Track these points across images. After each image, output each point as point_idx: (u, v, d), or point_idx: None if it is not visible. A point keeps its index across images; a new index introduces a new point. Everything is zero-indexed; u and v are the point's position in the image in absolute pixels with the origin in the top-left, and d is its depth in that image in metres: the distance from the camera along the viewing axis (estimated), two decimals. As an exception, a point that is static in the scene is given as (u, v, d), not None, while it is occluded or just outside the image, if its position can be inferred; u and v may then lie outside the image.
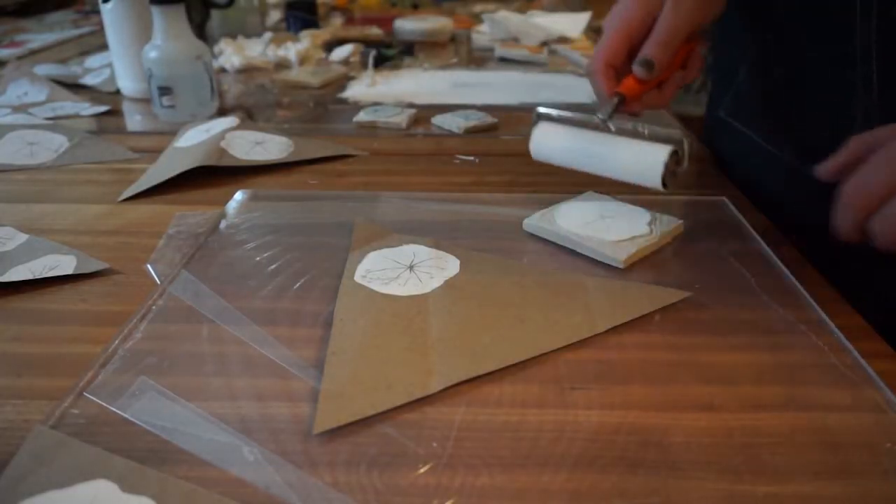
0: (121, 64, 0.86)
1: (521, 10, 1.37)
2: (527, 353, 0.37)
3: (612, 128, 0.49)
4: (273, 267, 0.46)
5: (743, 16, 0.61)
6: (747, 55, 0.61)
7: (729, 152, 0.67)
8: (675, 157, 0.47)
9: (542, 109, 0.53)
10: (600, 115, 0.48)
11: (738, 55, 0.63)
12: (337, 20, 1.43)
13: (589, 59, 0.50)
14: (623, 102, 0.48)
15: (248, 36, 1.14)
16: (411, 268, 0.45)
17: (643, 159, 0.47)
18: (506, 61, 1.09)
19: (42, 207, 0.57)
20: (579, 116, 0.51)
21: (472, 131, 0.74)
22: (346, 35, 1.22)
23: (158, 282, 0.45)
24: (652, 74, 0.48)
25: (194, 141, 0.66)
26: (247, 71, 1.03)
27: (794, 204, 0.56)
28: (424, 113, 0.79)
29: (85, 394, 0.34)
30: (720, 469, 0.30)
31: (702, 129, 0.75)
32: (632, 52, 0.49)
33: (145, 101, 0.85)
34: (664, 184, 0.47)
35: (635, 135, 0.49)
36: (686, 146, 0.47)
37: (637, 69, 0.48)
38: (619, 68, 0.50)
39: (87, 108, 0.83)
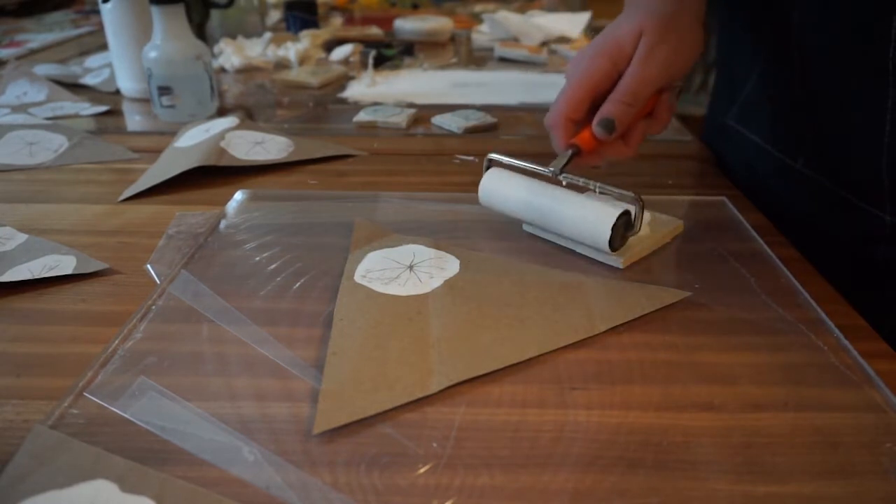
0: (120, 64, 0.86)
1: (521, 10, 1.37)
2: (527, 353, 0.37)
3: (563, 182, 0.47)
4: (273, 267, 0.46)
5: (754, 27, 0.60)
6: (757, 64, 0.60)
7: (732, 157, 0.66)
8: (625, 220, 0.45)
9: (493, 155, 0.51)
10: (551, 168, 0.46)
11: (745, 64, 0.62)
12: (337, 20, 1.43)
13: (549, 111, 0.48)
14: (578, 154, 0.46)
15: (247, 36, 1.14)
16: (411, 268, 0.45)
17: (591, 220, 0.45)
18: (505, 61, 1.09)
19: (42, 207, 0.57)
20: (532, 166, 0.48)
21: (471, 131, 0.74)
22: (346, 35, 1.22)
23: (158, 282, 0.45)
24: (612, 135, 0.45)
25: (194, 141, 0.66)
26: (246, 71, 1.03)
27: (797, 208, 0.56)
28: (424, 113, 0.79)
29: (85, 394, 0.34)
30: (720, 469, 0.30)
31: (702, 130, 0.75)
32: (594, 104, 0.47)
33: (145, 101, 0.85)
34: (612, 247, 0.45)
35: (586, 192, 0.46)
36: (637, 210, 0.44)
37: (597, 129, 0.45)
38: (580, 122, 0.47)
39: (87, 108, 0.83)
